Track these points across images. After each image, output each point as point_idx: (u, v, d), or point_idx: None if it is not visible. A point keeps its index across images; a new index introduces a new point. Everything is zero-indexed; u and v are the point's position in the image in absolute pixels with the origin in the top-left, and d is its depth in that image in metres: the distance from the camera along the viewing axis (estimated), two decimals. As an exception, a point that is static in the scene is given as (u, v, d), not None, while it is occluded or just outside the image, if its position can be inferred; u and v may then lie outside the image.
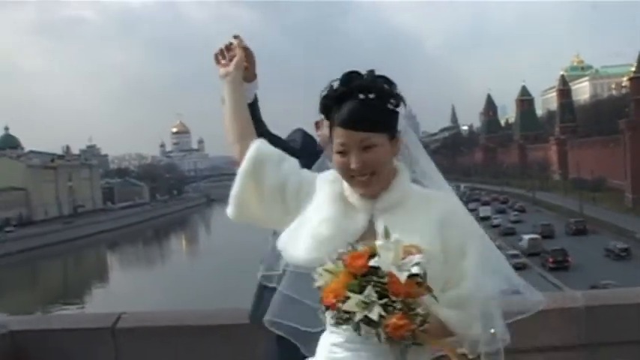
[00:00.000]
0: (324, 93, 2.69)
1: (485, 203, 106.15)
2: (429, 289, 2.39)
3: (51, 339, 5.10)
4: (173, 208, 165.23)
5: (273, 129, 3.61)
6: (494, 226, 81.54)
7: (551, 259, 57.70)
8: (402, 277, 2.32)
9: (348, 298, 2.32)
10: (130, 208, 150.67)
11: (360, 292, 2.31)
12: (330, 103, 2.67)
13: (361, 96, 2.61)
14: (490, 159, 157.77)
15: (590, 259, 58.78)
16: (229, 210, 2.84)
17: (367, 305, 2.30)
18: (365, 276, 2.33)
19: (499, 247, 2.89)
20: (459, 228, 2.61)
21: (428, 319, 2.37)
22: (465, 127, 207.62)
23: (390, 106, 2.65)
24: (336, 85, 2.67)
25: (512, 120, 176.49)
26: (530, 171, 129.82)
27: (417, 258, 2.37)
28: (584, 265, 54.61)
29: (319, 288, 2.39)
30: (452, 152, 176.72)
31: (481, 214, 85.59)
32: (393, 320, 2.29)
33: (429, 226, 2.56)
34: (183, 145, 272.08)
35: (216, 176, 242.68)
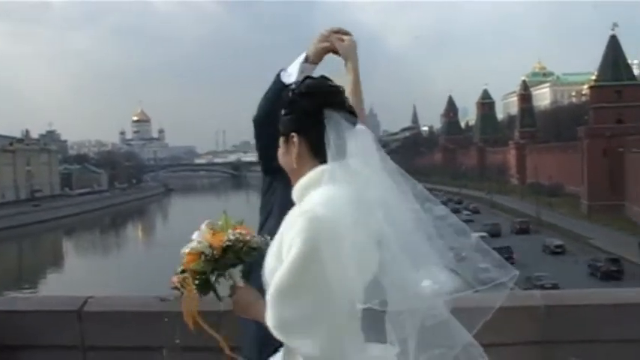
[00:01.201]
0: None
1: (442, 204, 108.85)
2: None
3: (17, 320, 5.14)
4: (131, 196, 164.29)
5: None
6: None
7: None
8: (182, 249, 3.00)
9: None
10: (88, 195, 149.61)
11: None
12: None
13: None
14: (449, 160, 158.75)
15: (531, 255, 62.51)
16: None
17: None
18: None
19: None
20: (292, 232, 2.65)
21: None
22: (426, 128, 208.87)
23: (283, 112, 2.91)
24: None
25: (472, 122, 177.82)
26: (488, 174, 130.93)
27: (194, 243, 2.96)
28: (527, 261, 57.27)
29: None
30: (411, 152, 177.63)
31: (436, 213, 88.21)
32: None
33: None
34: (144, 134, 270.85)
35: (175, 166, 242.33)
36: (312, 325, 2.60)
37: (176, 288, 3.05)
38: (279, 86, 3.45)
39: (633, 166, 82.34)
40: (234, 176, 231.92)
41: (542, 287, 43.81)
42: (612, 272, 55.06)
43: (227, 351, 3.06)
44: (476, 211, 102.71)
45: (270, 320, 2.64)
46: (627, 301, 4.88)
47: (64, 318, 5.12)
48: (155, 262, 75.55)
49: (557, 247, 68.16)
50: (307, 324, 2.60)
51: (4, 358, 5.11)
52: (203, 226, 2.98)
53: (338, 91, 2.89)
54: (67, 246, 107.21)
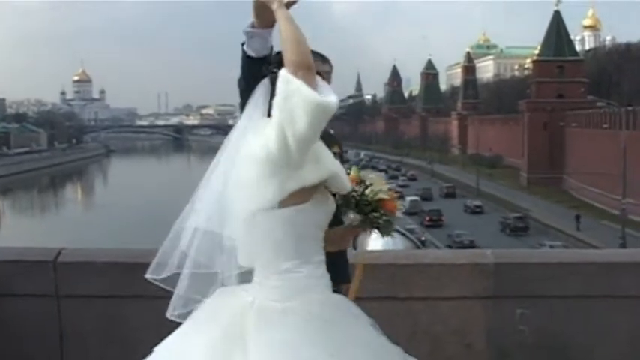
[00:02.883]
0: None
1: (382, 171, 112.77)
2: None
3: (-7, 270, 5.36)
4: (71, 157, 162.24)
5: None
6: None
7: (427, 218, 66.32)
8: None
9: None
10: (26, 155, 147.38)
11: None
12: None
13: None
14: (392, 129, 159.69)
15: (455, 215, 69.27)
16: None
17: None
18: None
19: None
20: None
21: None
22: (369, 96, 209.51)
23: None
24: None
25: (416, 92, 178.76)
26: (430, 143, 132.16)
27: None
28: (452, 221, 64.79)
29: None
30: (355, 120, 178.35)
31: None
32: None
33: None
34: (85, 94, 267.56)
35: (116, 127, 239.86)
36: None
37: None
38: (243, 57, 3.48)
39: (573, 141, 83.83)
40: (175, 139, 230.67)
41: (462, 244, 50.95)
42: (519, 228, 62.23)
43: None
44: (413, 178, 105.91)
45: None
46: (570, 260, 5.29)
47: (39, 268, 5.35)
48: (94, 223, 75.27)
49: (477, 207, 75.59)
50: None
51: (-19, 307, 5.33)
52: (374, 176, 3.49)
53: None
54: (4, 206, 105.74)
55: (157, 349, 3.17)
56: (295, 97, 2.81)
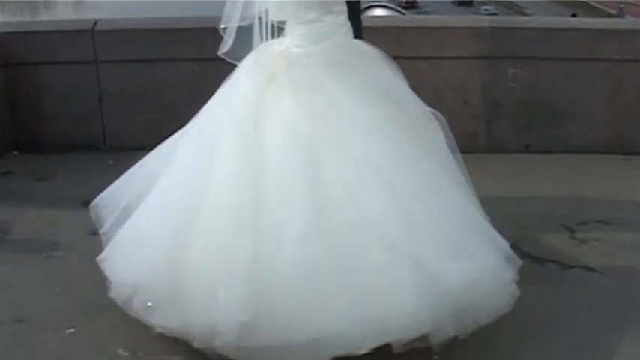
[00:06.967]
0: None
1: None
2: None
3: (35, 40, 5.83)
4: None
5: None
6: None
7: (405, 0, 72.17)
8: None
9: None
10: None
11: None
12: None
13: None
14: None
15: None
16: None
17: None
18: None
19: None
20: None
21: None
22: None
23: None
24: None
25: None
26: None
27: None
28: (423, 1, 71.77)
29: None
30: None
31: None
32: None
33: None
34: None
35: None
36: None
37: None
38: None
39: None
40: None
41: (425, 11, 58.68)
42: (465, 1, 72.65)
43: None
44: None
45: None
46: (559, 26, 5.83)
47: (78, 37, 5.82)
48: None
49: None
50: None
51: (27, 73, 5.84)
52: None
53: None
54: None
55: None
56: None
